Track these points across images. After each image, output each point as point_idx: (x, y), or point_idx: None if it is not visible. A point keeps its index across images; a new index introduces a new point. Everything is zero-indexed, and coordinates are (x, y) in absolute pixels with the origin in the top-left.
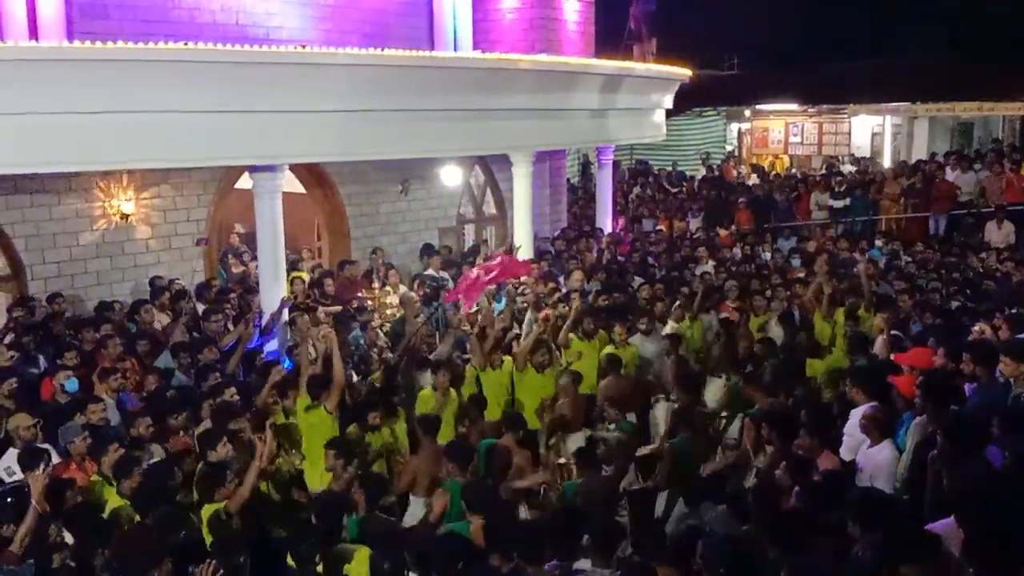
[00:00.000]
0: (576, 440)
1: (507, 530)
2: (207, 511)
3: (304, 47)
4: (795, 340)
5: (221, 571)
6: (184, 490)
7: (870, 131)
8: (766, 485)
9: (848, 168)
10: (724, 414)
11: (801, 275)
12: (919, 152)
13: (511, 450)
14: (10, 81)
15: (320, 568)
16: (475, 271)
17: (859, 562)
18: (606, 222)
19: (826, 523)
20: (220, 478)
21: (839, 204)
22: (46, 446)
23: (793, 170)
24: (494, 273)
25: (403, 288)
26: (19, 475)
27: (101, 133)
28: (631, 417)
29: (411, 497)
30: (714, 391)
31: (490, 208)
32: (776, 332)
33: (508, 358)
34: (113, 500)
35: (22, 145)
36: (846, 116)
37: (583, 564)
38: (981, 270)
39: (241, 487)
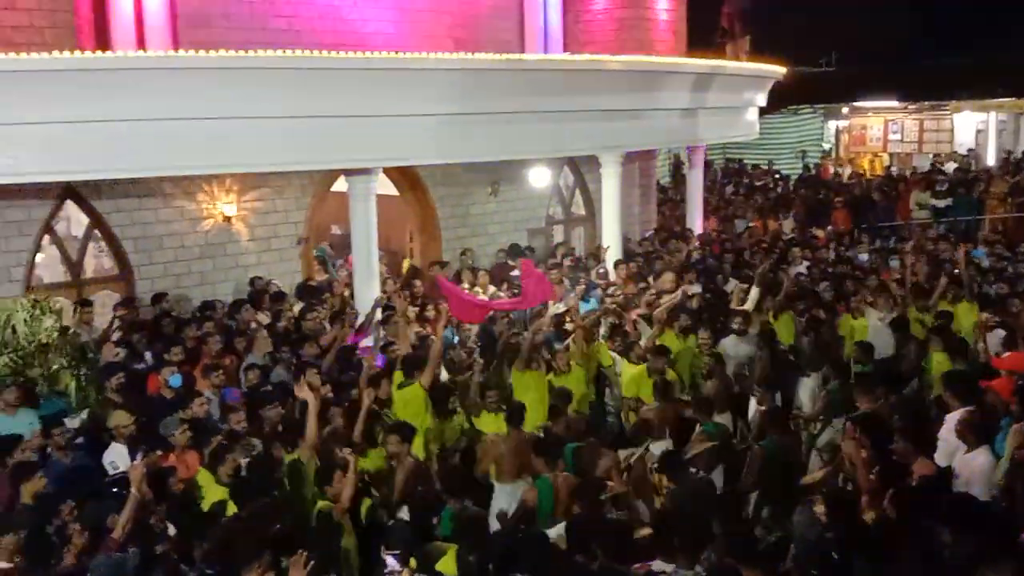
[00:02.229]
0: (661, 447)
1: (595, 529)
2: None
3: (398, 52)
4: (901, 348)
5: (313, 562)
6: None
7: (974, 128)
8: (853, 491)
9: (951, 166)
10: (820, 418)
11: (899, 276)
12: None
13: (598, 453)
14: (118, 89)
15: (413, 563)
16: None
17: (945, 566)
18: (697, 223)
19: (918, 528)
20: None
21: (942, 204)
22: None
23: (893, 168)
24: (505, 303)
25: (492, 288)
26: (122, 468)
27: (205, 139)
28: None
29: (496, 484)
30: (805, 391)
31: (579, 209)
32: (883, 337)
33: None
34: (214, 493)
35: (128, 150)
36: (948, 113)
37: (664, 566)
38: None
39: (339, 502)
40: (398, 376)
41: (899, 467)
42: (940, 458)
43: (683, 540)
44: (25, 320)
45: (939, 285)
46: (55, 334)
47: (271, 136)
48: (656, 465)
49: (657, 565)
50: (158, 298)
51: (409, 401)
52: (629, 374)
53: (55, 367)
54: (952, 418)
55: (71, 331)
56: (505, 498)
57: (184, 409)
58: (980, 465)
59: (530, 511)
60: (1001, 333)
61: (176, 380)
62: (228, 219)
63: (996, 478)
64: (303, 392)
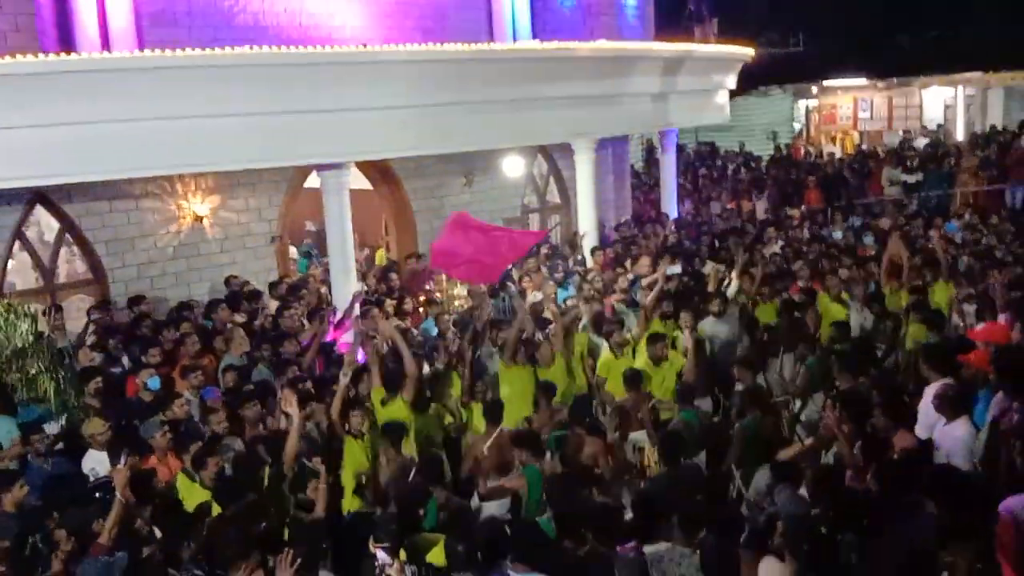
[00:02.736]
0: (639, 437)
1: (582, 514)
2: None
3: (366, 46)
4: (879, 324)
5: (299, 560)
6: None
7: (942, 103)
8: (835, 466)
9: (921, 142)
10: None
11: (872, 253)
12: (994, 123)
13: (583, 439)
14: (84, 91)
15: (403, 555)
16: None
17: (930, 537)
18: (671, 207)
19: (903, 501)
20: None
21: (912, 179)
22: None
23: (863, 146)
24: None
25: None
26: (103, 474)
27: (173, 139)
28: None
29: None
30: (785, 368)
31: (554, 197)
32: (856, 315)
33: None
34: (197, 495)
35: (97, 153)
36: (916, 89)
37: (658, 547)
38: None
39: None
40: (379, 392)
41: (880, 442)
42: (920, 431)
43: (681, 520)
44: (1, 324)
45: (911, 262)
46: (31, 338)
47: (241, 134)
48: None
49: (646, 547)
50: (135, 301)
51: (394, 416)
52: (602, 359)
53: (32, 372)
54: (931, 391)
55: (47, 335)
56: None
57: (164, 411)
58: (960, 436)
59: (518, 499)
60: (975, 306)
61: (155, 383)
62: (200, 219)
63: (977, 448)
64: (288, 406)
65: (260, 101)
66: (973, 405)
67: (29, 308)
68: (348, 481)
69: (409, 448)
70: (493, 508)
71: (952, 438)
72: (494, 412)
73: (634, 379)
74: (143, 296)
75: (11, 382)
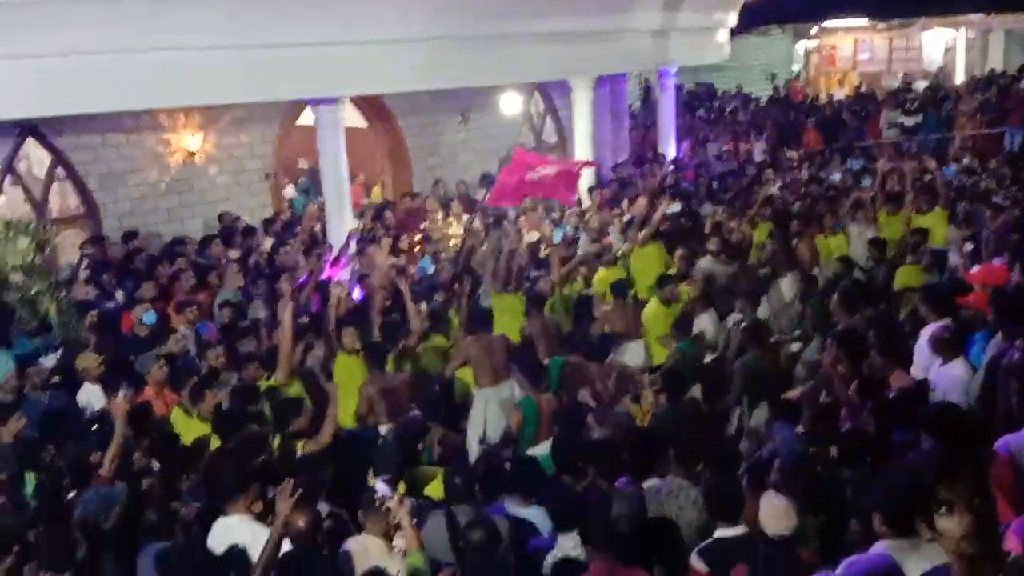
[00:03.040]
0: (634, 351)
1: (581, 448)
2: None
3: None
4: (877, 263)
5: (300, 490)
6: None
7: (943, 46)
8: (831, 405)
9: (921, 84)
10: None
11: (871, 195)
12: (994, 66)
13: (582, 365)
14: (72, 21)
15: (402, 488)
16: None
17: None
18: (669, 147)
19: (901, 442)
20: (296, 409)
21: (911, 122)
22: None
23: (862, 88)
24: (545, 175)
25: (466, 218)
26: (97, 407)
27: (164, 71)
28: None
29: (474, 391)
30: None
31: (551, 137)
32: (859, 253)
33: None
34: (194, 428)
35: (86, 85)
36: (917, 31)
37: (655, 481)
38: None
39: (320, 436)
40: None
41: (877, 381)
42: (916, 371)
43: (678, 454)
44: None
45: (908, 195)
46: (31, 256)
47: (232, 67)
48: (657, 385)
49: (646, 482)
50: (129, 236)
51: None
52: (597, 276)
53: (33, 292)
54: (927, 331)
55: (46, 253)
56: (482, 404)
57: (159, 346)
58: (957, 376)
59: (515, 433)
60: (970, 247)
61: (150, 317)
62: (193, 154)
63: (973, 389)
64: (283, 311)
65: (252, 33)
66: (969, 346)
67: (30, 226)
68: (344, 398)
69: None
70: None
71: (948, 378)
72: (481, 322)
73: (619, 287)
74: (136, 231)
75: (10, 303)
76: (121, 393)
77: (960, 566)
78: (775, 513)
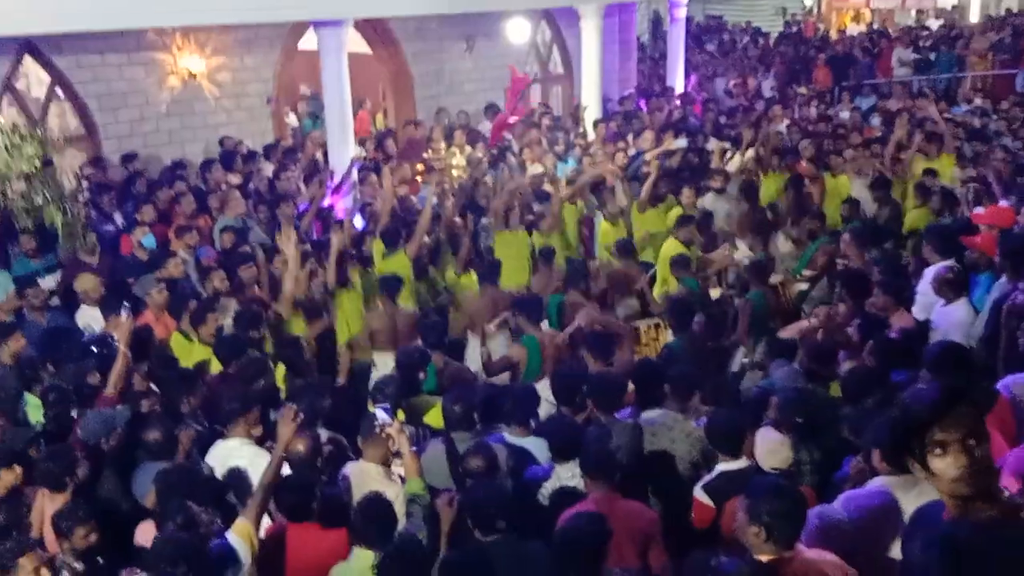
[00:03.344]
0: (627, 304)
1: (580, 382)
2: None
3: None
4: (883, 205)
5: (301, 416)
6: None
7: None
8: (830, 342)
9: (934, 23)
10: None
11: (879, 135)
12: (1010, 6)
13: (580, 304)
14: None
15: (401, 415)
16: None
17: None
18: (677, 81)
19: (901, 381)
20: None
21: (922, 59)
22: None
23: (875, 25)
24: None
25: (468, 149)
26: (97, 329)
27: None
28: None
29: (471, 336)
30: (786, 244)
31: (557, 67)
32: (864, 195)
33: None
34: (195, 353)
35: (82, 2)
36: None
37: (652, 413)
38: None
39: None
40: (379, 246)
41: (878, 320)
42: (918, 312)
43: (673, 387)
44: (5, 147)
45: (914, 143)
46: (37, 162)
47: None
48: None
49: (644, 413)
50: (128, 159)
51: (395, 271)
52: (601, 229)
53: (38, 201)
54: (930, 272)
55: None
56: (480, 344)
57: (159, 270)
58: (959, 317)
59: (517, 366)
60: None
61: (150, 240)
62: (194, 76)
63: (975, 331)
64: (285, 244)
65: None
66: (973, 288)
67: (37, 131)
68: (342, 330)
69: (406, 302)
70: None
71: (951, 319)
72: (490, 272)
73: (625, 248)
74: (136, 154)
75: (15, 210)
76: (124, 313)
77: (953, 506)
78: (770, 448)
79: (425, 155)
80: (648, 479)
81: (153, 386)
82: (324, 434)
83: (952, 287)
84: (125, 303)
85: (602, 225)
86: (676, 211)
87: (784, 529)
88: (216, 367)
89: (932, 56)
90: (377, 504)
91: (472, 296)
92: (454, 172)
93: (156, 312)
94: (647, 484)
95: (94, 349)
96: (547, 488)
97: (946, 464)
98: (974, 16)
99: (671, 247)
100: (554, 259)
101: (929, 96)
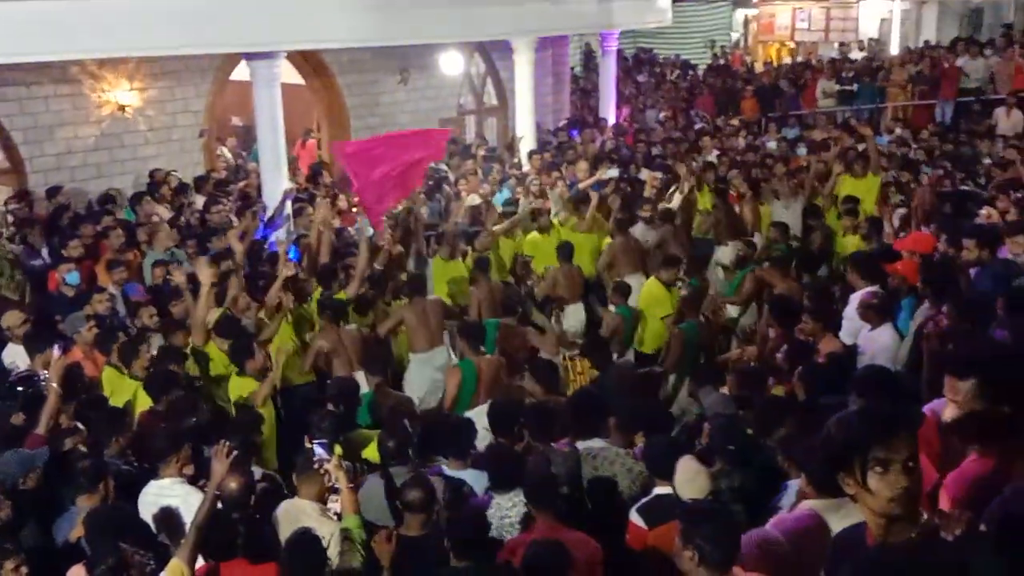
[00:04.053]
0: (574, 312)
1: (516, 412)
2: (236, 384)
3: None
4: (812, 231)
5: (235, 452)
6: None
7: (878, 17)
8: (757, 368)
9: (856, 55)
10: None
11: (805, 164)
12: (928, 38)
13: (516, 329)
14: None
15: (339, 450)
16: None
17: (827, 442)
18: (610, 112)
19: (828, 406)
20: (248, 350)
21: (845, 90)
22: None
23: (799, 57)
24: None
25: None
26: (22, 367)
27: (92, 20)
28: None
29: (410, 355)
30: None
31: (491, 99)
32: (793, 221)
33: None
34: (126, 388)
35: (7, 33)
36: (854, 1)
37: (592, 443)
38: (989, 157)
39: (259, 394)
40: (316, 291)
41: (806, 346)
42: (845, 337)
43: (621, 421)
44: None
45: (835, 170)
46: None
47: (164, 17)
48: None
49: (580, 443)
50: (53, 192)
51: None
52: (528, 238)
53: None
54: (856, 298)
55: None
56: (419, 367)
57: (86, 306)
58: (884, 342)
59: (454, 396)
60: (902, 213)
61: (73, 277)
62: (123, 108)
63: (900, 355)
64: (200, 270)
65: None
66: (896, 312)
67: None
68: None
69: None
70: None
71: (876, 344)
72: (415, 284)
73: (565, 250)
74: (60, 186)
75: None
76: (56, 350)
77: (878, 526)
78: (687, 477)
79: None
80: (597, 507)
81: (80, 424)
82: (258, 471)
83: (877, 312)
84: (59, 340)
85: (531, 235)
86: (608, 239)
87: (716, 553)
88: (146, 403)
89: (855, 87)
90: (305, 541)
91: (404, 308)
92: None
93: (85, 350)
94: (587, 512)
95: (19, 388)
96: (494, 519)
97: (887, 483)
98: (894, 48)
99: (652, 287)
100: (489, 268)
101: (861, 123)
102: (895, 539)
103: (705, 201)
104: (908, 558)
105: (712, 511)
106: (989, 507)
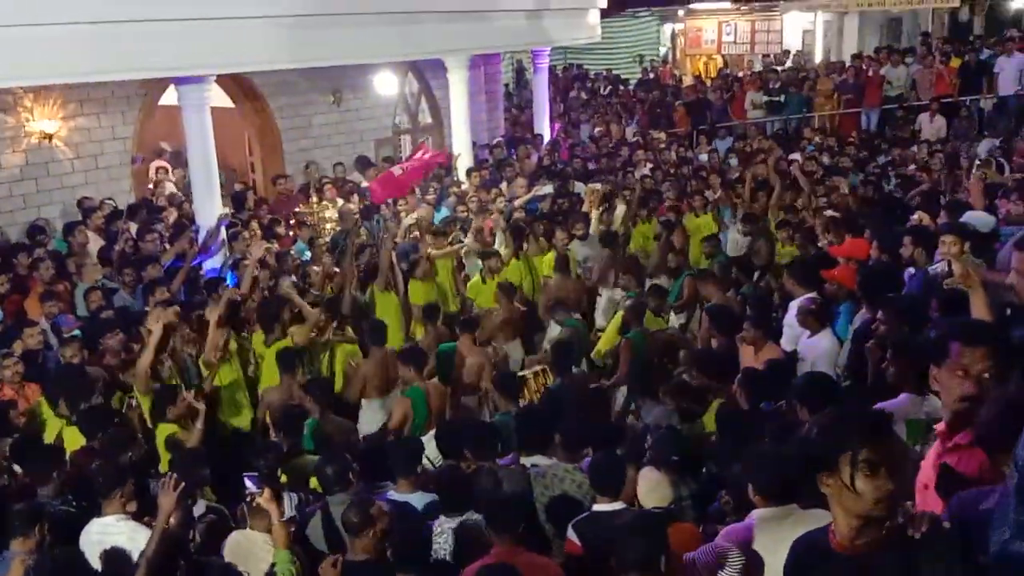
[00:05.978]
0: (515, 348)
1: (461, 432)
2: (162, 431)
3: None
4: (755, 241)
5: (183, 484)
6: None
7: (801, 28)
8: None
9: (788, 63)
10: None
11: (738, 175)
12: (850, 48)
13: (467, 354)
14: None
15: (284, 480)
16: (396, 168)
17: (810, 443)
18: (544, 128)
19: (771, 411)
20: (171, 397)
21: (773, 100)
22: None
23: (727, 70)
24: (415, 166)
25: (340, 201)
26: None
27: (11, 46)
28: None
29: (363, 401)
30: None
31: (426, 117)
32: (733, 235)
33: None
34: (56, 422)
35: None
36: (778, 13)
37: (539, 459)
38: (914, 163)
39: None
40: (259, 337)
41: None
42: (785, 343)
43: (566, 436)
44: None
45: (776, 190)
46: None
47: (87, 41)
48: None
49: (529, 460)
50: None
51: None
52: (472, 283)
53: None
54: (795, 305)
55: None
56: (372, 414)
57: (15, 341)
58: (824, 348)
59: (401, 422)
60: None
61: None
62: (49, 137)
63: (840, 360)
64: (152, 322)
65: (110, 6)
66: (835, 318)
67: None
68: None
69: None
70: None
71: (816, 350)
72: (377, 334)
73: (507, 289)
74: None
75: None
76: None
77: (850, 527)
78: (649, 487)
79: (296, 209)
80: (556, 525)
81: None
82: (202, 505)
83: (815, 318)
84: None
85: (474, 279)
86: (550, 256)
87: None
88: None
89: (782, 98)
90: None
91: (360, 362)
92: (327, 225)
93: (13, 386)
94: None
95: None
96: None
97: (874, 485)
98: (817, 59)
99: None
100: (438, 317)
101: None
102: (863, 540)
103: (646, 233)
104: (882, 559)
105: (636, 527)
106: (950, 504)
